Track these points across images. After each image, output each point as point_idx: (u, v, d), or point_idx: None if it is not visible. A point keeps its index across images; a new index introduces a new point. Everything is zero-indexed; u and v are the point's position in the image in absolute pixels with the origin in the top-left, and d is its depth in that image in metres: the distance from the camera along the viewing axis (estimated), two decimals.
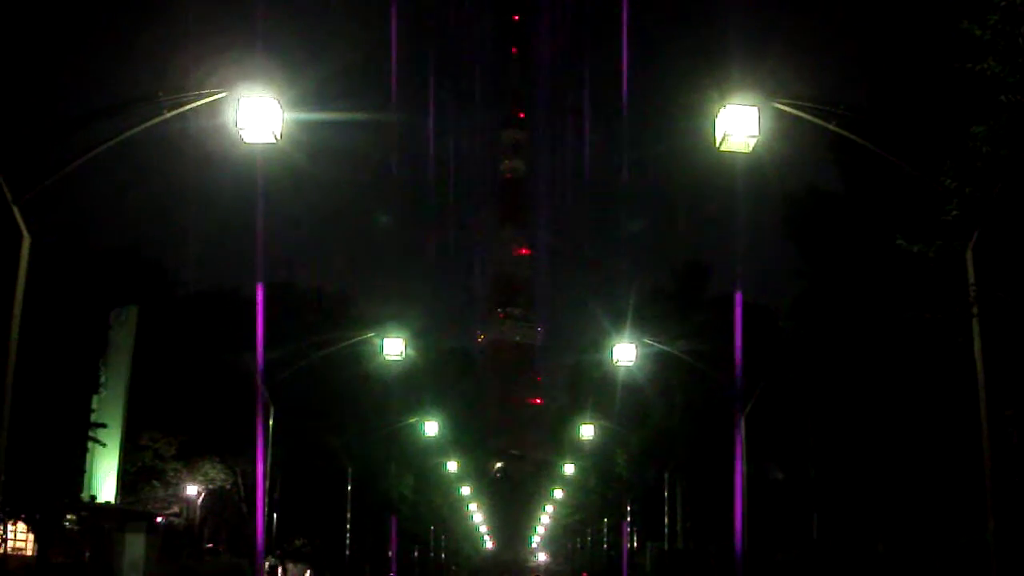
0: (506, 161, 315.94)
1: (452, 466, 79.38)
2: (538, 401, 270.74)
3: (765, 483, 39.42)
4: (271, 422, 33.24)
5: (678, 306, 46.67)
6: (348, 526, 49.46)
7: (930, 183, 14.03)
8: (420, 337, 55.68)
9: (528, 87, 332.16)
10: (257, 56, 17.40)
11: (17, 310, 14.61)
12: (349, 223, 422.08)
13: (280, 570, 51.19)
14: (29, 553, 37.17)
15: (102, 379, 39.21)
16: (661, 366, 42.13)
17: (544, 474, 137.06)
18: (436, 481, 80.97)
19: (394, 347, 32.78)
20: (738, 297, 35.94)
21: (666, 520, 48.98)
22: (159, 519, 41.69)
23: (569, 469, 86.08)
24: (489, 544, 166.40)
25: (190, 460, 43.06)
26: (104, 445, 38.44)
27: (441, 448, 71.07)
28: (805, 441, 34.50)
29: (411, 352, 36.89)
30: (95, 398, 38.62)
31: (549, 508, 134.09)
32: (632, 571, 61.13)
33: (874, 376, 27.69)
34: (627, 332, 34.57)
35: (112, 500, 38.42)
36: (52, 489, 33.45)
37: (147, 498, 41.98)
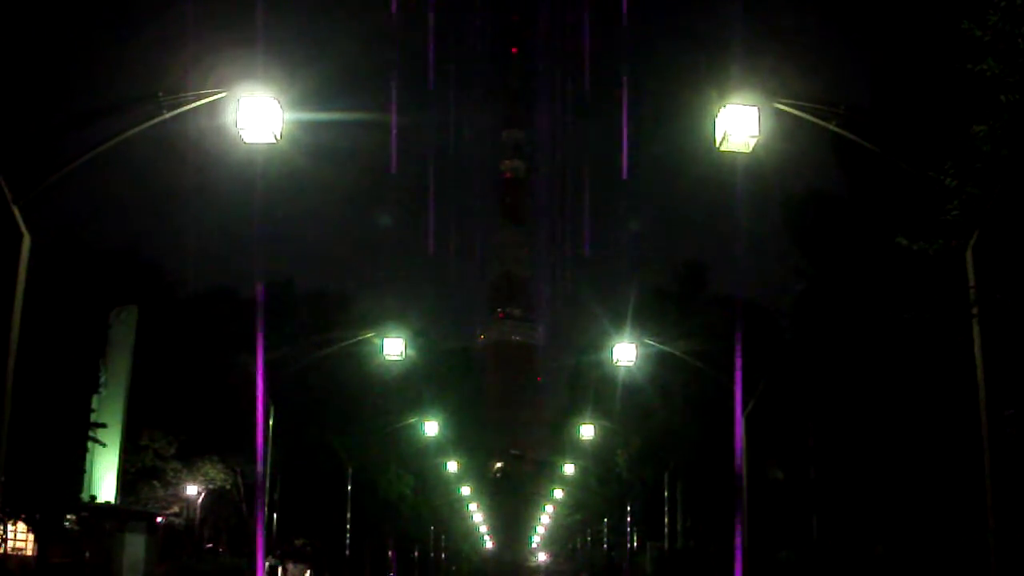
0: (506, 161, 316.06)
1: (452, 466, 79.28)
2: (538, 401, 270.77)
3: (765, 483, 39.39)
4: (271, 422, 33.23)
5: (678, 306, 46.67)
6: (348, 526, 49.45)
7: (931, 183, 14.02)
8: (420, 337, 55.74)
9: (528, 87, 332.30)
10: (257, 56, 17.33)
11: (17, 310, 14.59)
12: (349, 223, 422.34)
13: (280, 570, 51.17)
14: (29, 553, 37.14)
15: (102, 379, 39.21)
16: (661, 366, 42.07)
17: (544, 474, 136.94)
18: (436, 481, 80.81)
19: (394, 347, 32.78)
20: (739, 297, 35.96)
21: (666, 520, 48.97)
22: (159, 519, 41.66)
23: (569, 469, 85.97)
24: (489, 544, 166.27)
25: (190, 460, 43.09)
26: (104, 445, 38.46)
27: (441, 448, 70.95)
28: (805, 441, 34.50)
29: (411, 352, 36.89)
30: (95, 398, 38.62)
31: (549, 508, 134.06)
32: (632, 571, 61.10)
33: (874, 376, 27.71)
34: (627, 332, 34.53)
35: (112, 500, 38.42)
36: (52, 489, 33.40)
37: (147, 498, 41.98)
